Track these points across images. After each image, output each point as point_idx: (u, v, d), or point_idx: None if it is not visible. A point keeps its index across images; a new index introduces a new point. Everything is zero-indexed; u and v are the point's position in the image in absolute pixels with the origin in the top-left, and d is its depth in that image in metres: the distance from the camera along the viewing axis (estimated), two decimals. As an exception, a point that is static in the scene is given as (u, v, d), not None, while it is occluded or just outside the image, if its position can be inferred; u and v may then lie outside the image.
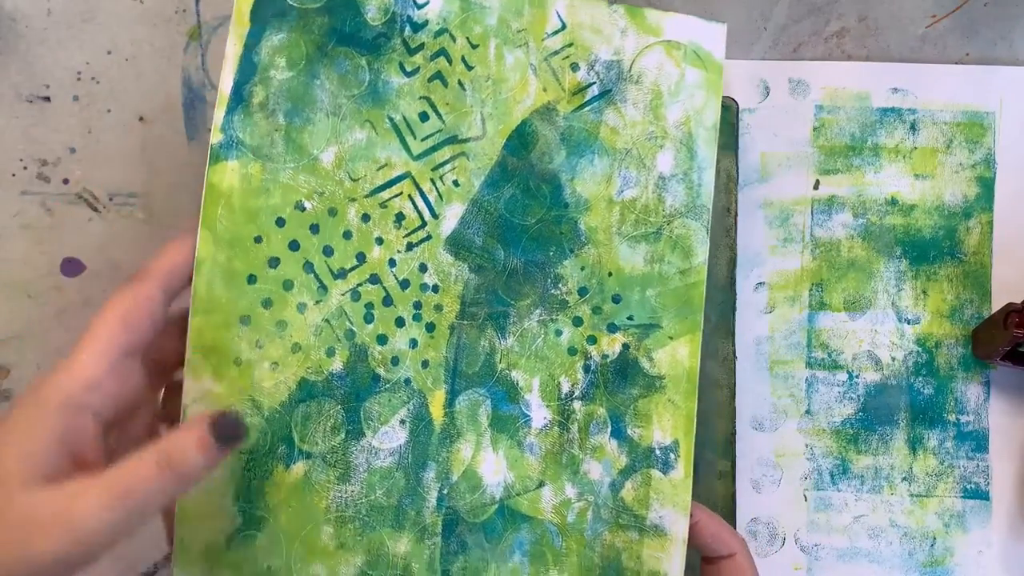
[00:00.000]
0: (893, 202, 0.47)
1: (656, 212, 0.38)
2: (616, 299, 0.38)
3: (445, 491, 0.37)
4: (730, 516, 0.45)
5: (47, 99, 0.46)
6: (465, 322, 0.38)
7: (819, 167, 0.47)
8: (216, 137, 0.36)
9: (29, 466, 0.29)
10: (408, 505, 0.37)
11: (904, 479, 0.46)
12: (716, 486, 0.45)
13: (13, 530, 0.28)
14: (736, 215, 0.46)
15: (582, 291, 0.38)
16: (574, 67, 0.38)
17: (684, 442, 0.38)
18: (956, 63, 0.48)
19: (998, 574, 0.46)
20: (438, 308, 0.37)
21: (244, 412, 0.35)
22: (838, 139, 0.47)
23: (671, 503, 0.37)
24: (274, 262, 0.36)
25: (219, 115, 0.36)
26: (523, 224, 0.38)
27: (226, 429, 0.30)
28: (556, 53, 0.38)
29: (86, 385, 0.30)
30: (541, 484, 0.38)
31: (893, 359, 0.47)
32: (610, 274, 0.38)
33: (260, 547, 0.36)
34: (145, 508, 0.29)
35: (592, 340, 0.38)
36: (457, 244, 0.38)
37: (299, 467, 0.36)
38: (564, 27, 0.38)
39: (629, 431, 0.38)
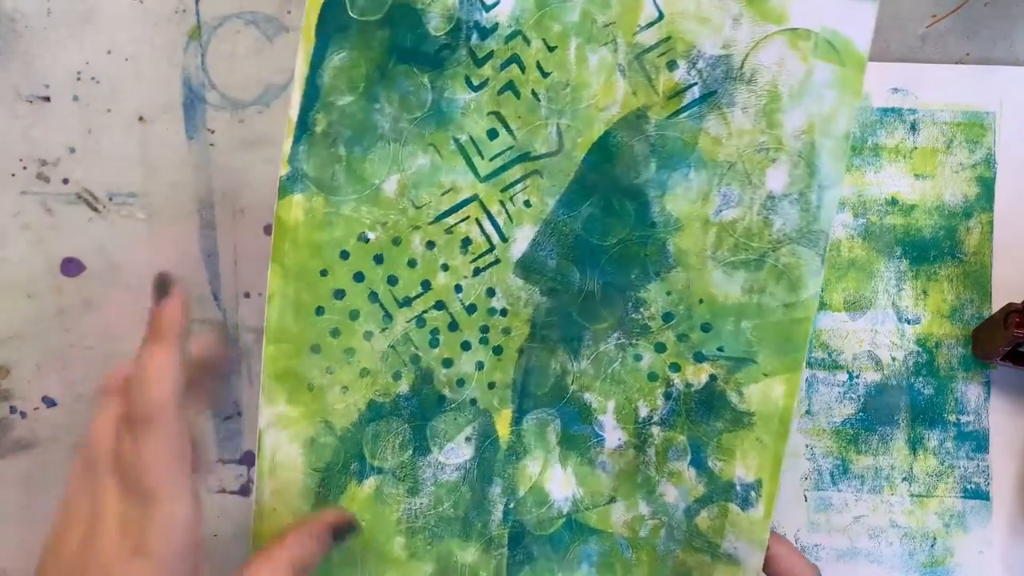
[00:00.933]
0: (893, 202, 0.47)
1: (760, 236, 0.34)
2: (706, 328, 0.35)
3: (511, 505, 0.37)
4: (730, 516, 0.45)
5: (47, 99, 0.46)
6: (535, 345, 0.36)
7: (819, 167, 0.47)
8: (284, 170, 0.35)
9: None
10: (475, 518, 0.37)
11: (904, 479, 0.46)
12: (716, 486, 0.45)
13: None
14: (736, 215, 0.46)
15: (667, 317, 0.35)
16: (671, 65, 0.34)
17: (768, 483, 0.35)
18: (956, 63, 0.48)
19: (999, 574, 0.46)
20: (506, 331, 0.36)
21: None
22: (838, 139, 0.47)
23: (747, 538, 0.36)
24: (340, 294, 0.36)
25: (287, 146, 0.35)
26: (602, 245, 0.35)
27: (346, 532, 0.35)
28: (650, 49, 0.34)
29: None
30: (612, 499, 0.37)
31: (893, 359, 0.47)
32: (701, 301, 0.35)
33: (336, 560, 0.37)
34: None
35: (675, 368, 0.36)
36: (528, 267, 0.36)
37: (371, 482, 0.37)
38: (662, 17, 0.33)
39: (710, 462, 0.36)
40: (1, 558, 0.47)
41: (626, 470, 0.37)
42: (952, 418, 0.46)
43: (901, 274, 0.47)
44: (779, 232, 0.34)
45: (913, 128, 0.47)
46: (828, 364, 0.47)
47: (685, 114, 0.34)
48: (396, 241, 0.36)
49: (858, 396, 0.47)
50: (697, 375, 0.36)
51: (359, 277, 0.36)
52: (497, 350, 0.36)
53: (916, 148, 0.47)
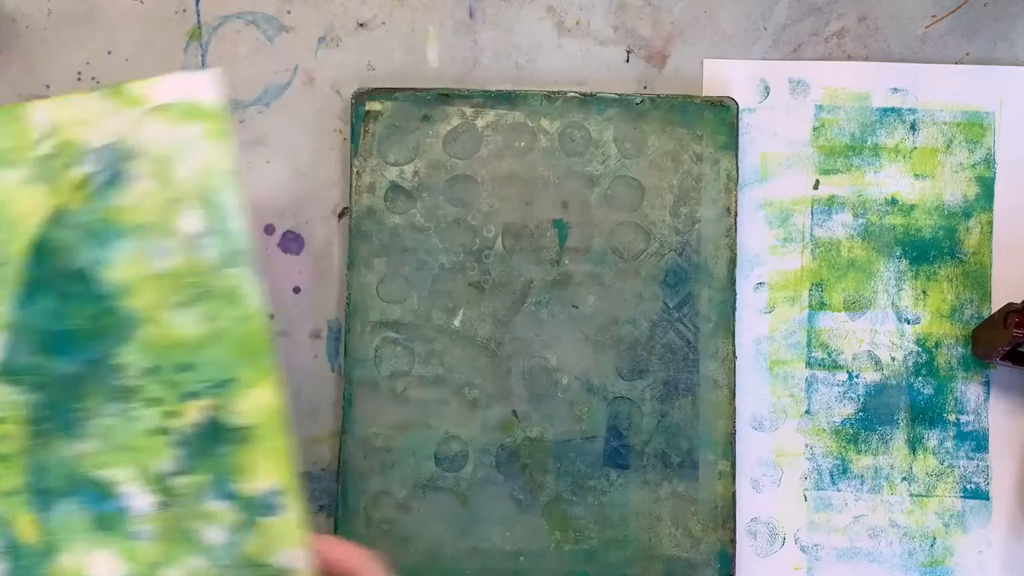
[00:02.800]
0: (893, 202, 0.47)
1: (196, 272, 0.38)
2: (185, 368, 0.38)
3: None
4: (730, 516, 0.45)
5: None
6: (39, 441, 0.38)
7: (819, 167, 0.47)
8: None
9: None
10: None
11: (904, 479, 0.46)
12: (716, 486, 0.45)
13: None
14: (736, 215, 0.46)
15: (149, 372, 0.38)
16: (73, 164, 0.38)
17: (287, 483, 0.38)
18: (956, 63, 0.48)
19: (998, 574, 0.46)
20: (4, 439, 0.38)
21: None
22: (838, 139, 0.47)
23: (290, 543, 0.38)
24: None
25: None
26: (68, 329, 0.38)
27: None
28: (51, 157, 0.38)
29: None
30: (166, 564, 0.38)
31: (893, 359, 0.47)
32: (171, 347, 0.38)
33: None
34: None
35: (174, 415, 0.38)
36: (11, 372, 0.38)
37: None
38: (50, 130, 0.38)
39: (234, 488, 0.38)
40: (1, 558, 0.47)
41: (166, 530, 0.38)
42: (952, 418, 0.46)
43: (901, 274, 0.47)
44: (209, 263, 0.38)
45: (913, 128, 0.47)
46: (828, 364, 0.47)
47: (98, 198, 0.38)
48: None
49: (858, 396, 0.47)
50: (195, 413, 0.38)
51: None
52: (2, 459, 0.38)
53: (916, 148, 0.47)
